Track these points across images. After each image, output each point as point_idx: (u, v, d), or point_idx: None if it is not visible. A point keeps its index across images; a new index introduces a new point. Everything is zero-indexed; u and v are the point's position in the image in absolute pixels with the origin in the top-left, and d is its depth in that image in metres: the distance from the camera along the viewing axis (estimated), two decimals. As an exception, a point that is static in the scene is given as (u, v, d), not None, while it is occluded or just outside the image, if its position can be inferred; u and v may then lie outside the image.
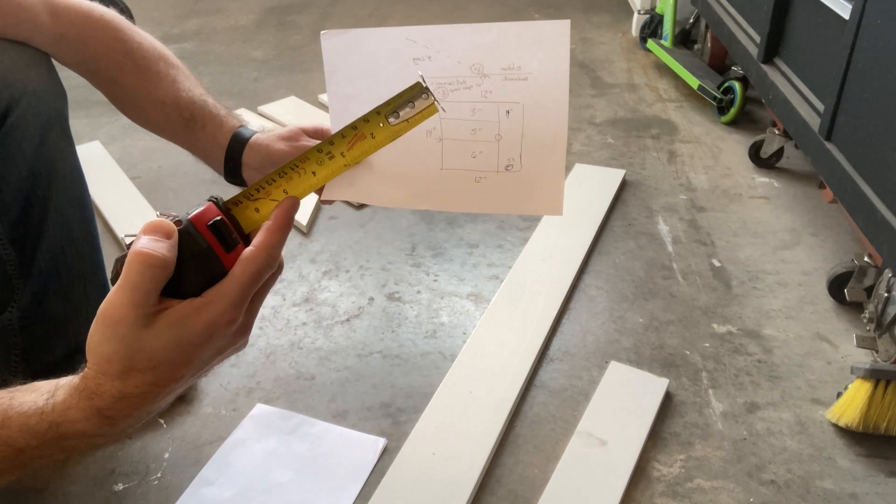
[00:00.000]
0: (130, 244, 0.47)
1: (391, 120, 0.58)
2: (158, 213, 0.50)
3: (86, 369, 0.48)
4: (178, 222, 0.49)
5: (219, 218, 0.50)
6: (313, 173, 0.58)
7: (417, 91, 0.57)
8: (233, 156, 0.80)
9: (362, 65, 0.77)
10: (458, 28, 0.73)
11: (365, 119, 0.59)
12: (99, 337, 0.47)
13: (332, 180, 0.83)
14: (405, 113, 0.58)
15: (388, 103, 0.58)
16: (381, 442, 0.99)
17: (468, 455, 0.95)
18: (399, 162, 0.80)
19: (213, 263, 0.50)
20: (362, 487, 0.93)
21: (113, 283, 0.48)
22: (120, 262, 0.48)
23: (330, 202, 0.83)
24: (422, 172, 0.79)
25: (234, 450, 0.98)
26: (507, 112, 0.74)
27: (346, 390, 1.08)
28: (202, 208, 0.51)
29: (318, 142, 0.79)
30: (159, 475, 0.95)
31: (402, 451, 0.96)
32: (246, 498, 0.92)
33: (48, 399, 0.49)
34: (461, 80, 0.74)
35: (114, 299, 0.46)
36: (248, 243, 0.53)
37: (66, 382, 0.50)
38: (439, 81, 0.75)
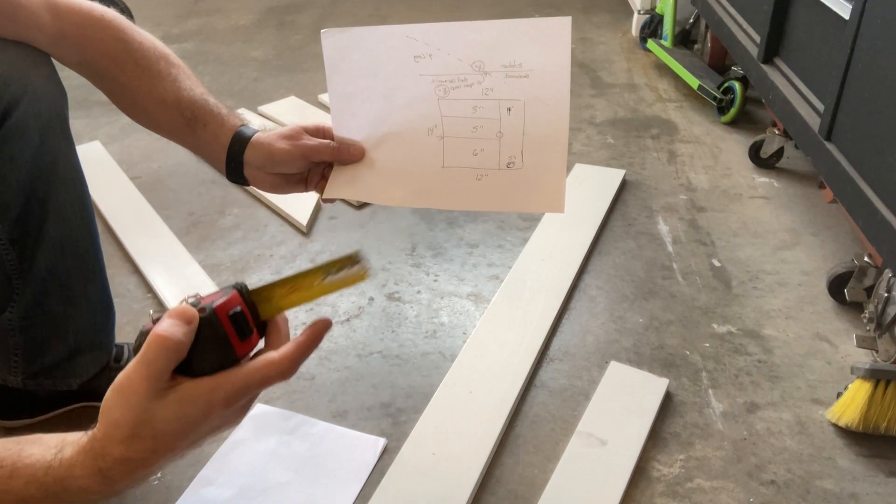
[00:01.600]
0: (157, 320, 0.52)
1: (326, 279, 0.59)
2: (188, 296, 0.54)
3: (94, 430, 0.52)
4: (201, 309, 0.53)
5: (238, 309, 0.54)
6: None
7: (353, 260, 0.58)
8: (234, 155, 0.80)
9: (363, 63, 0.77)
10: (458, 25, 0.73)
11: (304, 275, 0.59)
12: (113, 403, 0.51)
13: (333, 179, 0.82)
14: (338, 276, 0.59)
15: (324, 267, 0.58)
16: (381, 442, 0.99)
17: (468, 455, 0.95)
18: (400, 160, 0.79)
19: (226, 349, 0.54)
20: (362, 487, 0.93)
21: (134, 353, 0.52)
22: (142, 336, 0.53)
23: (332, 201, 0.83)
24: (423, 170, 0.78)
25: (234, 450, 0.98)
26: (509, 109, 0.74)
27: (346, 390, 1.08)
28: (227, 297, 0.54)
29: (320, 141, 0.79)
30: (159, 475, 0.95)
31: (402, 451, 0.96)
32: (246, 498, 0.92)
33: (56, 454, 0.52)
34: (462, 77, 0.74)
35: (130, 371, 0.51)
36: (261, 331, 0.57)
37: (74, 440, 0.53)
38: (440, 79, 0.75)
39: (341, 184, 0.81)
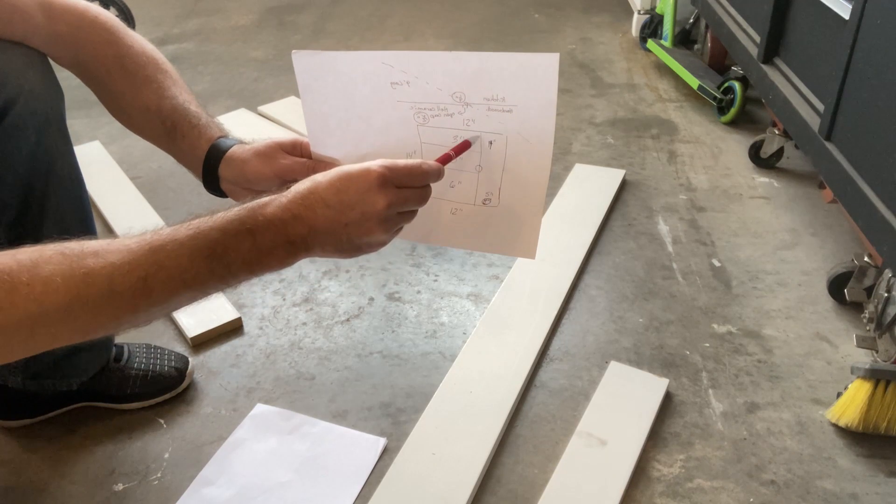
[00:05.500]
0: None
1: None
2: None
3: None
4: None
5: None
6: None
7: None
8: (209, 169, 0.79)
9: (337, 85, 0.75)
10: (436, 55, 0.70)
11: None
12: None
13: None
14: None
15: None
16: (381, 442, 0.99)
17: (468, 455, 0.95)
18: None
19: None
20: (362, 487, 0.93)
21: None
22: None
23: None
24: None
25: (234, 450, 0.98)
26: (490, 143, 0.71)
27: (346, 390, 1.08)
28: None
29: (295, 160, 0.76)
30: (159, 475, 0.95)
31: (402, 451, 0.96)
32: (246, 498, 0.92)
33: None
34: (442, 106, 0.71)
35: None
36: None
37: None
38: (420, 107, 0.72)
39: None
